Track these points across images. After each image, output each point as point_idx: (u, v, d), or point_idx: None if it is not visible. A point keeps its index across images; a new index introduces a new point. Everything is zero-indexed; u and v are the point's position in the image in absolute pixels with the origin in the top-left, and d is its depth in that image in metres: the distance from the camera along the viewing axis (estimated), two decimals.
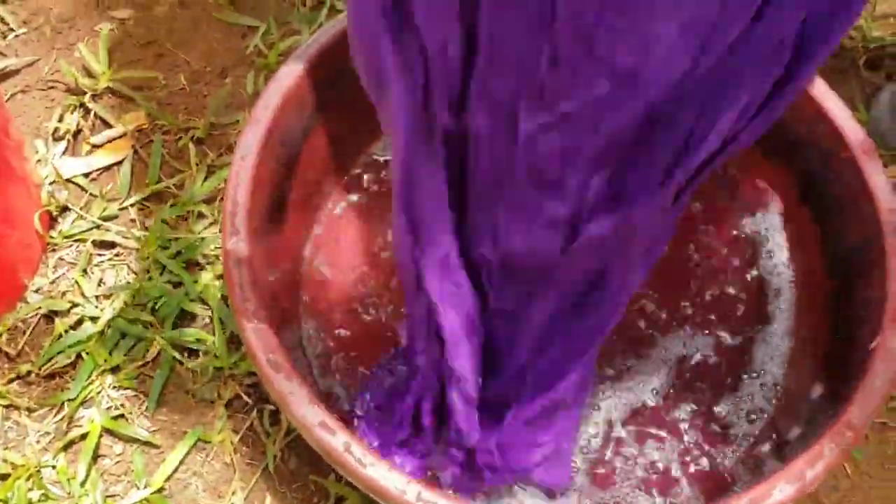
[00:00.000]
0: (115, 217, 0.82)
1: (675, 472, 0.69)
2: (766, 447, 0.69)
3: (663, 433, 0.71)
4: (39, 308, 0.77)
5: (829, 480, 0.74)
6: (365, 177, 0.80)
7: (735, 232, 0.79)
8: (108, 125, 0.88)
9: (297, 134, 0.71)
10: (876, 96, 0.94)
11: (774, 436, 0.69)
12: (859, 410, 0.59)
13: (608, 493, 0.68)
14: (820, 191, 0.74)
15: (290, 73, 0.69)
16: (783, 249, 0.78)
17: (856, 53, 0.97)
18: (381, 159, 0.80)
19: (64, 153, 0.85)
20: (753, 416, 0.71)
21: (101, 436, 0.72)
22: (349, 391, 0.70)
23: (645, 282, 0.62)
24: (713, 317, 0.75)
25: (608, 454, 0.70)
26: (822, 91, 0.72)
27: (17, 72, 0.91)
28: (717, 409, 0.72)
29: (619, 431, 0.71)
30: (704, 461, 0.70)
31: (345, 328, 0.73)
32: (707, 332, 0.75)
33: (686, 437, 0.71)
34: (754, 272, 0.77)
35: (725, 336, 0.75)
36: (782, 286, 0.77)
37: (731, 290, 0.77)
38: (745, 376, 0.73)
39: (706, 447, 0.70)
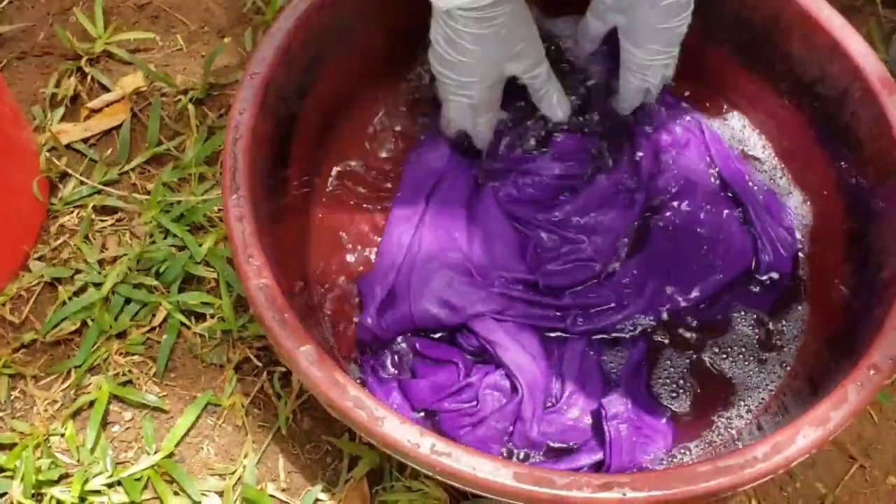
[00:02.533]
0: (116, 182, 0.81)
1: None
2: (787, 394, 0.68)
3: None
4: (42, 276, 0.76)
5: (853, 427, 0.72)
6: (368, 132, 0.78)
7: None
8: (105, 89, 0.86)
9: (295, 88, 0.69)
10: (894, 35, 0.91)
11: (796, 380, 0.67)
12: (882, 350, 0.57)
13: None
14: (838, 129, 0.71)
15: (287, 25, 0.67)
16: (799, 190, 0.76)
17: None
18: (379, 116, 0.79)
19: (62, 119, 0.84)
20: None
21: (109, 402, 0.71)
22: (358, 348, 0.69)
23: None
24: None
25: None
26: (838, 25, 0.70)
27: (11, 38, 0.89)
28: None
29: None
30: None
31: (353, 282, 0.72)
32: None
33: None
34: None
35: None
36: (800, 228, 0.75)
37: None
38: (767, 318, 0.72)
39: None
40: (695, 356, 0.70)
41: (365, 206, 0.76)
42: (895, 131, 0.66)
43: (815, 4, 0.71)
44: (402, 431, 0.54)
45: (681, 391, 0.69)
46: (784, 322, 0.72)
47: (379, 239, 0.74)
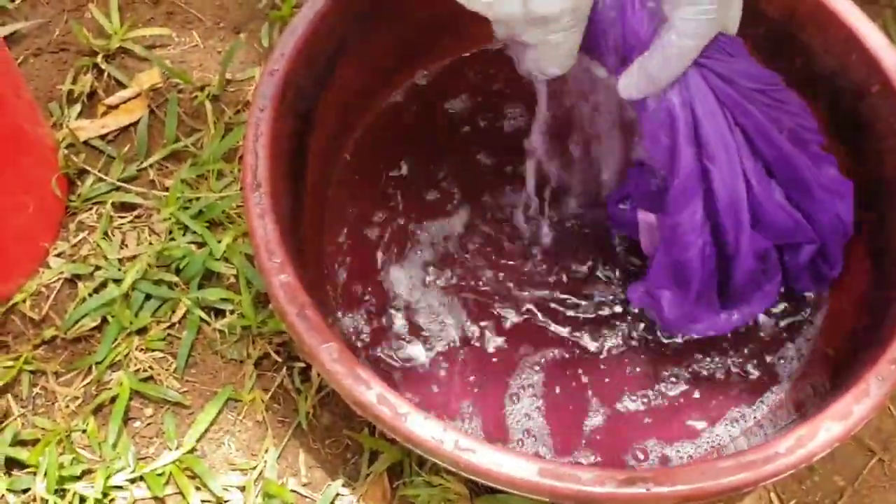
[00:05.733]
0: (135, 178, 0.81)
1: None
2: (808, 389, 0.68)
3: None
4: (62, 272, 0.76)
5: (872, 420, 0.72)
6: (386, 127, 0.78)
7: None
8: (122, 85, 0.86)
9: (314, 84, 0.69)
10: None
11: (818, 375, 0.68)
12: None
13: None
14: (854, 124, 0.71)
15: (305, 21, 0.67)
16: None
17: None
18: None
19: (79, 115, 0.84)
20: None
21: (130, 398, 0.72)
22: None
23: None
24: None
25: None
26: (854, 16, 0.70)
27: (27, 35, 0.89)
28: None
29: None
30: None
31: (375, 275, 0.72)
32: None
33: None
34: None
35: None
36: None
37: None
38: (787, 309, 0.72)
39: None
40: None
41: (377, 195, 0.76)
42: None
43: None
44: (426, 428, 0.54)
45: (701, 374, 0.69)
46: (804, 313, 0.72)
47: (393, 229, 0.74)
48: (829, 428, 0.55)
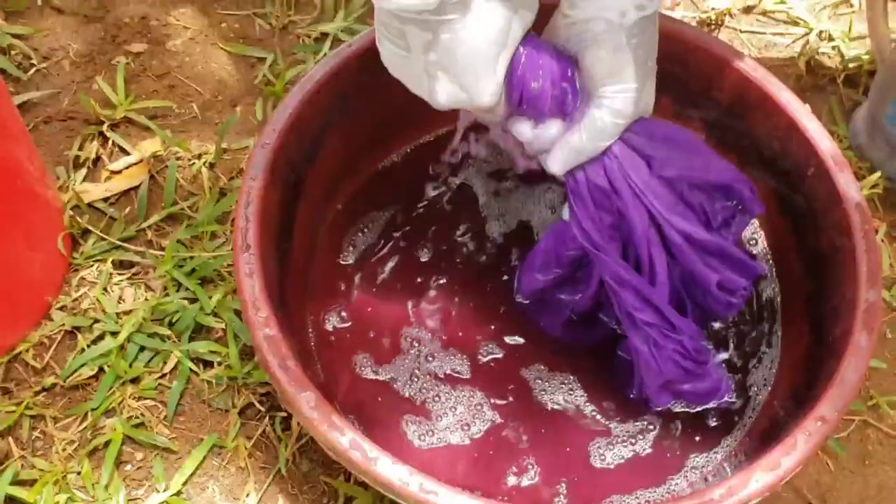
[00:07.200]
0: (134, 238, 0.87)
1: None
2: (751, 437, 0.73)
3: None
4: (63, 324, 0.82)
5: (811, 475, 0.78)
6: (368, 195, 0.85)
7: None
8: (125, 152, 0.93)
9: (303, 156, 0.76)
10: (854, 112, 0.98)
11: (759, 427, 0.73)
12: (830, 403, 0.63)
13: None
14: (796, 201, 0.78)
15: (295, 100, 0.74)
16: (766, 255, 0.83)
17: (835, 71, 1.02)
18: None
19: (84, 179, 0.91)
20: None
21: (122, 443, 0.77)
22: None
23: None
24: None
25: None
26: (795, 106, 0.77)
27: (38, 104, 0.96)
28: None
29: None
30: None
31: (350, 333, 0.78)
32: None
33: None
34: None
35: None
36: (766, 288, 0.81)
37: None
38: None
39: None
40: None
41: (362, 259, 0.82)
42: (845, 205, 0.72)
43: (775, 87, 0.78)
44: (393, 471, 0.59)
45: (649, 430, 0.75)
46: (755, 372, 0.78)
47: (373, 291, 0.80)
48: (758, 478, 0.60)
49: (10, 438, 0.77)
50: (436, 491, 0.59)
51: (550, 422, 0.75)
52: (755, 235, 0.84)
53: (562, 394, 0.76)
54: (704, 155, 0.68)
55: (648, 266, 0.67)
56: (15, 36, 0.99)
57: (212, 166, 0.92)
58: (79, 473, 0.75)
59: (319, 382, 0.75)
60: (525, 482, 0.72)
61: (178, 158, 0.92)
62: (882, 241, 0.90)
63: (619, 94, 0.63)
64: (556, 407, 0.75)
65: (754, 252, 0.83)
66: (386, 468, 0.59)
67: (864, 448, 0.80)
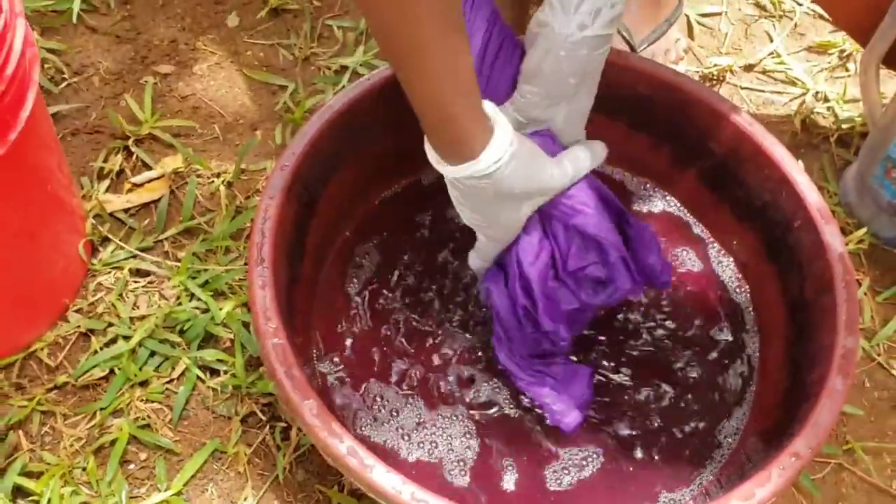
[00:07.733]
0: (151, 249, 0.91)
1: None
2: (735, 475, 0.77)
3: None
4: (78, 326, 0.85)
5: None
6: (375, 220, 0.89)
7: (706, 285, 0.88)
8: (147, 167, 0.97)
9: (318, 179, 0.80)
10: (845, 170, 1.03)
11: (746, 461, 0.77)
12: (805, 441, 0.66)
13: None
14: (783, 250, 0.82)
15: (314, 127, 0.78)
16: (749, 300, 0.86)
17: (828, 131, 1.06)
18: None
19: (107, 190, 0.95)
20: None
21: (128, 442, 0.80)
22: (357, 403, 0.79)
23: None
24: (689, 352, 0.83)
25: None
26: (787, 161, 0.81)
27: (67, 116, 1.01)
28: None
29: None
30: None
31: (351, 351, 0.81)
32: (679, 369, 0.82)
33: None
34: (724, 321, 0.86)
35: (695, 372, 0.83)
36: (749, 330, 0.85)
37: (706, 334, 0.85)
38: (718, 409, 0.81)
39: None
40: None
41: (366, 281, 0.86)
42: (829, 255, 0.76)
43: (769, 142, 0.83)
44: (387, 479, 0.63)
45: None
46: (727, 421, 0.81)
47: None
48: None
49: (21, 432, 0.80)
50: (426, 500, 0.62)
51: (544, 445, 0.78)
52: (741, 283, 0.87)
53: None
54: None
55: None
56: (49, 50, 1.04)
57: (230, 185, 0.96)
58: (84, 469, 0.78)
59: (320, 387, 0.78)
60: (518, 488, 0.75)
61: (198, 176, 0.97)
62: (865, 294, 0.94)
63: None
64: (548, 437, 0.79)
65: (737, 300, 0.87)
66: (381, 476, 0.63)
67: (839, 491, 0.83)
